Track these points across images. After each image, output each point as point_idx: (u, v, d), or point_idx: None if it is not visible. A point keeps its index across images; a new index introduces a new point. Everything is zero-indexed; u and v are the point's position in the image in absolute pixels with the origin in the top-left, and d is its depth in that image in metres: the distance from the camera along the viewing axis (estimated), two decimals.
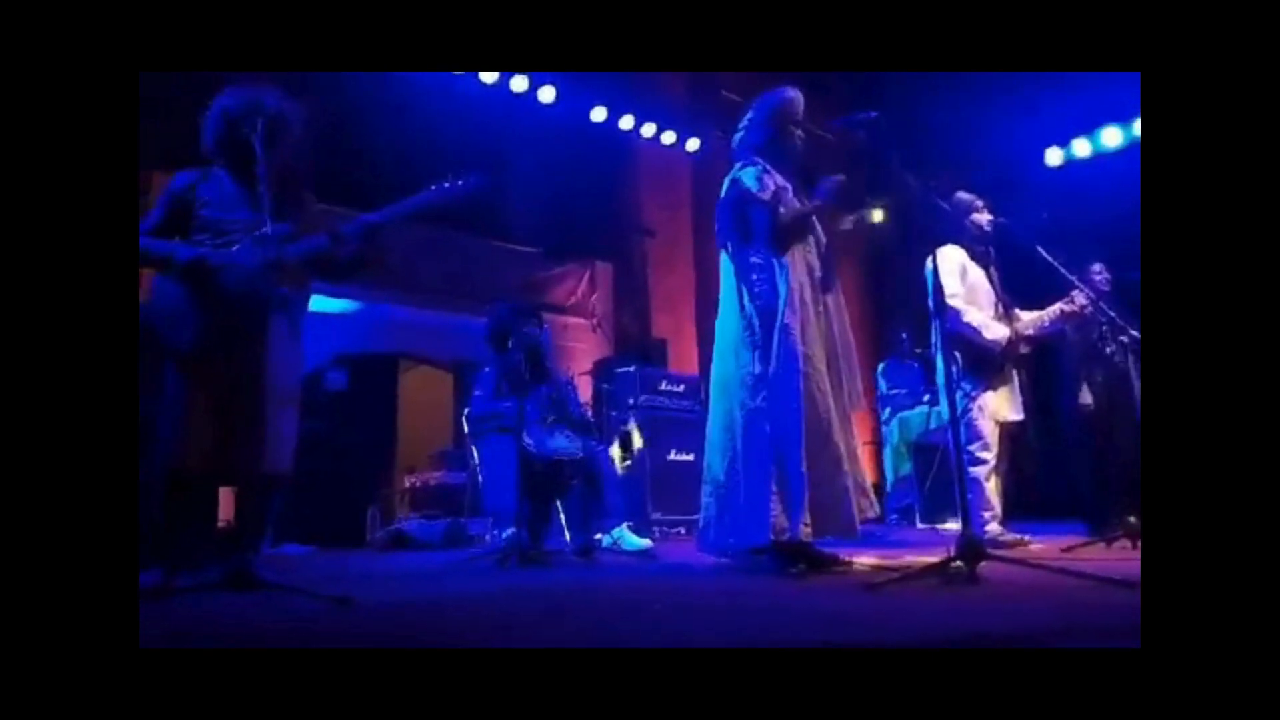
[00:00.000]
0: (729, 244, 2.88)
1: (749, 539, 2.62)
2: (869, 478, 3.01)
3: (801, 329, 2.67)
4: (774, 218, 2.75)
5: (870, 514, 2.75)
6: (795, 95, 2.94)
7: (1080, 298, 3.50)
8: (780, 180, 2.87)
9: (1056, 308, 3.59)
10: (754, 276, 2.77)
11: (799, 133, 2.93)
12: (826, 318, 2.81)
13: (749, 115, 2.98)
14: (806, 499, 2.53)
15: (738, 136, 2.99)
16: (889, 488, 5.97)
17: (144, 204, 2.30)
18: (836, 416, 2.69)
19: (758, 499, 2.57)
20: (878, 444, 6.74)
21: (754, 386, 2.66)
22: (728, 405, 2.74)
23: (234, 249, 2.34)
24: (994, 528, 3.40)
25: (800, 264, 2.78)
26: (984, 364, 3.51)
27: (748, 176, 2.83)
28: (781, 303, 2.68)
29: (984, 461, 3.45)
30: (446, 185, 2.52)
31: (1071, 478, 4.24)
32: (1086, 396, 3.96)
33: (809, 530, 2.53)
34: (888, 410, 6.31)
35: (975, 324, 3.49)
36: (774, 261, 2.74)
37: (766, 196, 2.77)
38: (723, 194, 2.91)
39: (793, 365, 2.62)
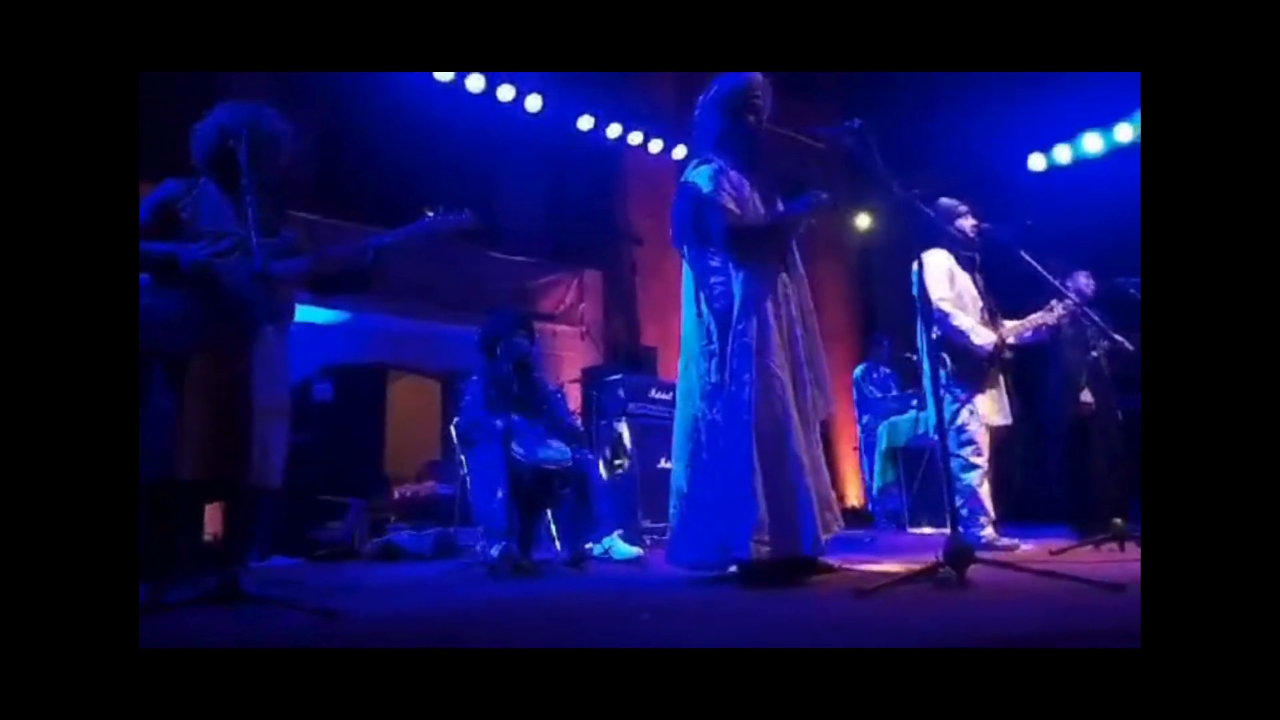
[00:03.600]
0: (685, 248, 2.73)
1: (704, 555, 2.58)
2: (835, 489, 2.90)
3: (760, 335, 2.52)
4: (730, 222, 2.59)
5: (835, 528, 2.61)
6: (749, 79, 2.68)
7: (1059, 307, 3.53)
8: (737, 178, 2.68)
9: (1036, 317, 3.62)
10: (712, 281, 2.64)
11: (754, 119, 2.68)
12: (790, 321, 2.64)
13: (703, 97, 2.75)
14: (759, 515, 2.40)
15: (696, 120, 2.78)
16: (875, 493, 5.98)
17: None
18: (799, 426, 2.52)
19: (713, 514, 2.50)
20: (858, 449, 6.74)
21: (711, 396, 2.57)
22: (690, 415, 2.65)
23: (227, 260, 2.34)
24: (989, 532, 3.41)
25: (761, 265, 2.62)
26: (973, 368, 3.53)
27: (701, 176, 2.66)
28: (737, 308, 2.56)
29: (977, 466, 3.47)
30: (438, 217, 2.55)
31: (1055, 482, 4.27)
32: (1088, 395, 3.96)
33: (766, 548, 2.40)
34: (867, 416, 6.32)
35: (964, 328, 3.51)
36: (731, 266, 2.61)
37: (721, 198, 2.60)
38: (676, 194, 2.75)
39: (744, 375, 2.49)
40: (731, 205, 2.63)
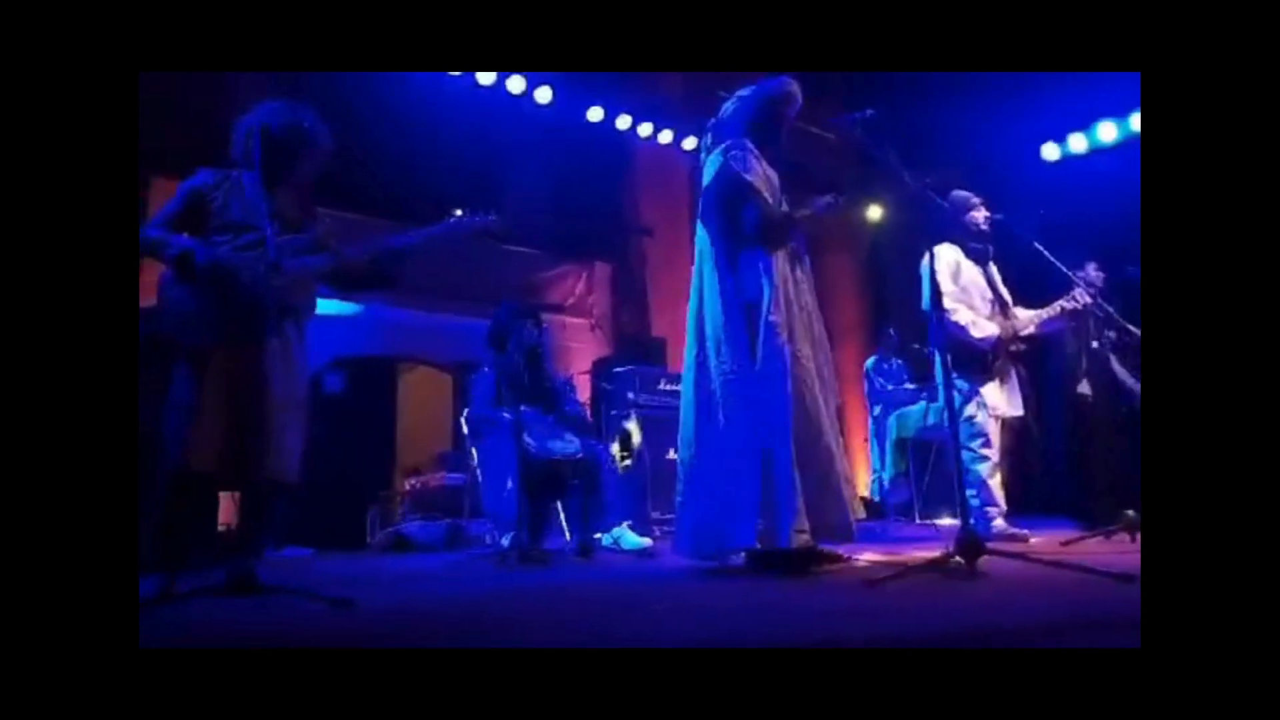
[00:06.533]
0: (712, 229, 2.70)
1: (730, 541, 2.52)
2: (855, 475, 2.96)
3: (788, 323, 2.55)
4: (764, 207, 2.60)
5: (859, 514, 2.63)
6: (795, 89, 2.77)
7: (1082, 295, 3.51)
8: (767, 168, 2.72)
9: (1058, 305, 3.60)
10: (742, 267, 2.63)
11: (785, 128, 2.78)
12: (807, 312, 2.66)
13: (743, 92, 2.78)
14: (800, 503, 2.39)
15: (729, 108, 2.78)
16: (887, 483, 5.97)
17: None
18: (826, 413, 2.56)
19: (743, 502, 2.45)
20: (869, 439, 6.74)
21: (738, 384, 2.53)
22: (702, 402, 2.62)
23: (248, 253, 2.35)
24: (1000, 524, 3.41)
25: (783, 257, 2.64)
26: (974, 362, 3.52)
27: (740, 162, 2.65)
28: (767, 297, 2.56)
29: (986, 458, 3.46)
30: (465, 217, 2.56)
31: (1058, 473, 4.26)
32: (1085, 388, 3.96)
33: (805, 536, 2.38)
34: (878, 407, 6.32)
35: (963, 323, 3.51)
36: (760, 253, 2.61)
37: (757, 182, 2.63)
38: (709, 176, 2.72)
39: (780, 362, 2.49)
40: (767, 195, 2.66)
